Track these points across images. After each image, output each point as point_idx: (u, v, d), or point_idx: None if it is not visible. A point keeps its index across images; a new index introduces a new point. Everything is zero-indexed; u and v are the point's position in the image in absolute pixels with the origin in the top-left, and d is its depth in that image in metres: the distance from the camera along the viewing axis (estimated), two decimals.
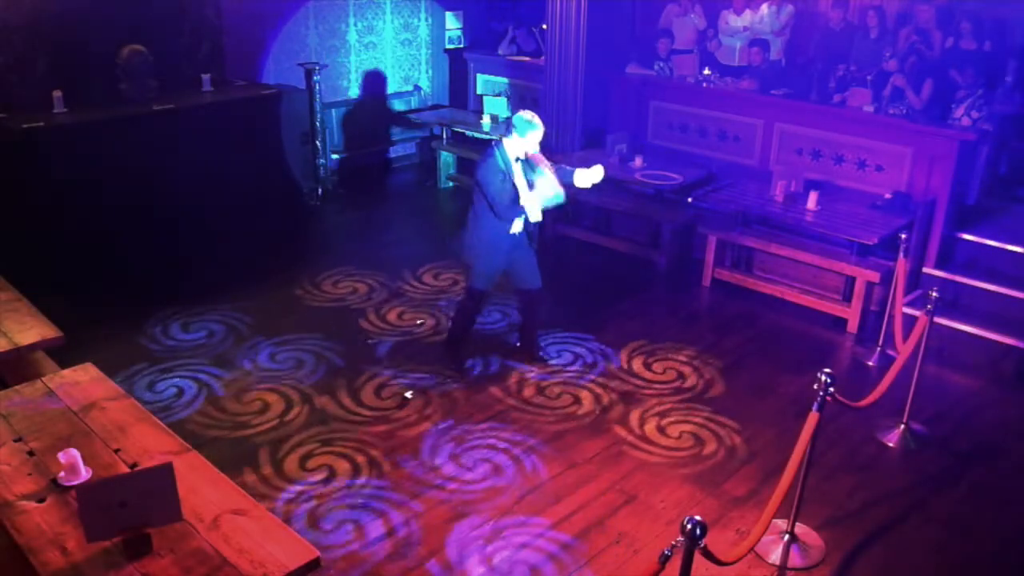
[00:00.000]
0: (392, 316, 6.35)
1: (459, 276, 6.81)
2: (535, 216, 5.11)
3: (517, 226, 5.26)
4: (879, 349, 5.99)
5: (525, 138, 5.06)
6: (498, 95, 9.73)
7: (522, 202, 5.05)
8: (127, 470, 3.21)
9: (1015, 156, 7.39)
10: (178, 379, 5.40)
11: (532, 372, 5.62)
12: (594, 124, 8.27)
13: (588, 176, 5.20)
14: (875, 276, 6.23)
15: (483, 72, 10.12)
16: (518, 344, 5.88)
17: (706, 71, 8.29)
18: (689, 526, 2.82)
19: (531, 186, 5.11)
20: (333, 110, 9.43)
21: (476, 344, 5.88)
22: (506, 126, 5.14)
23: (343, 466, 4.58)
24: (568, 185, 5.24)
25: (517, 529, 4.14)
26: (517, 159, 5.10)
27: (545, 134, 5.18)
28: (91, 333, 5.73)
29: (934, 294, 4.85)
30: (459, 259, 5.52)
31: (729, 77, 8.22)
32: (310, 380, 5.44)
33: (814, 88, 7.86)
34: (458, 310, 5.73)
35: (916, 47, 7.50)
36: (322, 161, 8.84)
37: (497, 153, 5.09)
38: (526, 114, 5.09)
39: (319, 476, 4.49)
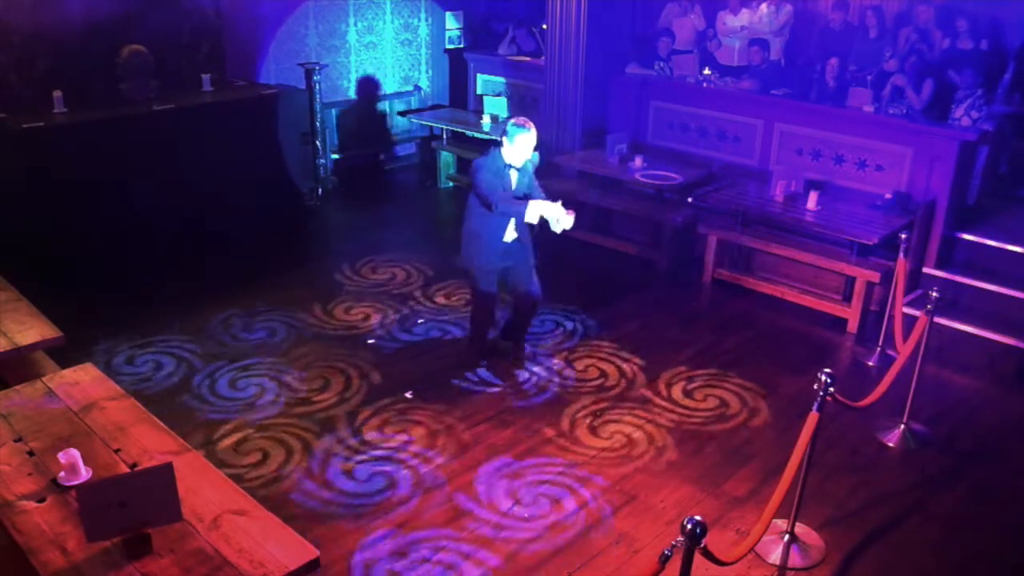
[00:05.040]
0: (395, 316, 6.37)
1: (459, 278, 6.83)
2: (531, 218, 4.99)
3: (510, 234, 5.25)
4: (879, 349, 5.98)
5: (514, 143, 5.03)
6: (498, 95, 9.74)
7: (530, 207, 4.94)
8: (127, 470, 3.21)
9: (1015, 156, 7.39)
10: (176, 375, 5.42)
11: (531, 372, 5.62)
12: (594, 124, 8.27)
13: (544, 209, 4.96)
14: (875, 276, 6.23)
15: (483, 72, 10.12)
16: (502, 337, 5.79)
17: (706, 71, 8.29)
18: (689, 526, 2.82)
19: (524, 196, 5.10)
20: (333, 110, 9.43)
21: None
22: (502, 132, 5.13)
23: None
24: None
25: (518, 526, 4.15)
26: (509, 166, 5.10)
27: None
28: (91, 333, 5.73)
29: (934, 294, 4.85)
30: (459, 261, 5.49)
31: (729, 77, 8.22)
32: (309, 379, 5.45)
33: (814, 88, 7.86)
34: (472, 315, 5.69)
35: (916, 47, 7.51)
36: (322, 161, 8.84)
37: (496, 153, 5.11)
38: (518, 120, 5.08)
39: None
